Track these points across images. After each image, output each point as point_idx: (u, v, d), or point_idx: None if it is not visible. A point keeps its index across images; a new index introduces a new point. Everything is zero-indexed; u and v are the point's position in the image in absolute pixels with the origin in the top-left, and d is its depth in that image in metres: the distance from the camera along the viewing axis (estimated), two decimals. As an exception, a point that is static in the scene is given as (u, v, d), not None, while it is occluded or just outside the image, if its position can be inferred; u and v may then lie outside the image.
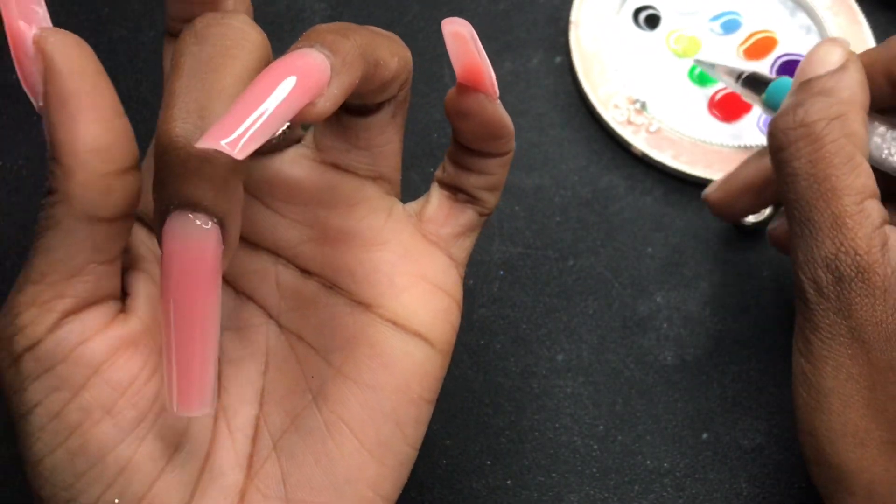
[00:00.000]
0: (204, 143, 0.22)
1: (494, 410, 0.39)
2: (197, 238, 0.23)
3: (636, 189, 0.43)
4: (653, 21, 0.47)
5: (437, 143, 0.44)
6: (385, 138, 0.29)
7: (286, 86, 0.23)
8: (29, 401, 0.25)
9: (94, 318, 0.25)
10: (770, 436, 0.38)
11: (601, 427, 0.39)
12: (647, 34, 0.47)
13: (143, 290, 0.27)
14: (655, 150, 0.43)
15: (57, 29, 0.24)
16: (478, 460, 0.38)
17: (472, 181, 0.30)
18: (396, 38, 0.27)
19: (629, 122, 0.44)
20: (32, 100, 0.25)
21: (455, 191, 0.31)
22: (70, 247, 0.24)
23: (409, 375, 0.29)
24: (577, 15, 0.46)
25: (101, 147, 0.24)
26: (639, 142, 0.44)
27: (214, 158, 0.23)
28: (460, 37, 0.27)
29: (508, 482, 0.38)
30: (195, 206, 0.23)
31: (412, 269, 0.30)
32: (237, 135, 0.22)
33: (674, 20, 0.47)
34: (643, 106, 0.44)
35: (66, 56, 0.24)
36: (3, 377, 0.25)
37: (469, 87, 0.28)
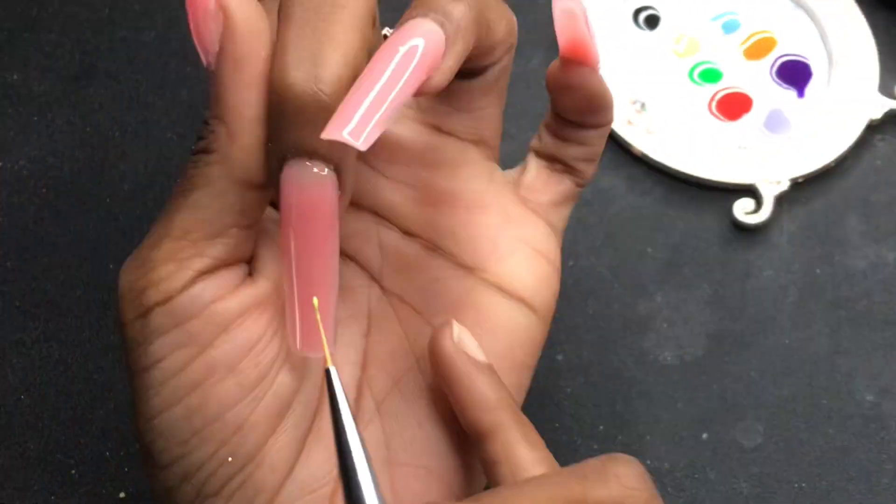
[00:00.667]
0: (327, 135, 0.22)
1: (494, 410, 0.39)
2: (315, 184, 0.24)
3: (636, 189, 0.43)
4: (653, 21, 0.47)
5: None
6: (487, 101, 0.29)
7: (403, 68, 0.23)
8: (153, 354, 0.25)
9: (227, 278, 0.25)
10: (770, 436, 0.38)
11: (601, 427, 0.39)
12: (647, 34, 0.47)
13: (268, 252, 0.27)
14: (655, 150, 0.43)
15: None
16: (478, 460, 0.38)
17: (570, 152, 0.30)
18: (503, 2, 0.27)
19: (629, 123, 0.44)
20: (202, 57, 0.25)
21: (552, 161, 0.30)
22: (220, 208, 0.25)
23: (513, 341, 0.29)
24: (577, 15, 0.46)
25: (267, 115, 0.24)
26: (639, 142, 0.44)
27: (329, 105, 0.23)
28: (572, 14, 0.27)
29: (508, 482, 0.38)
30: (312, 154, 0.23)
31: (514, 233, 0.30)
32: (358, 124, 0.22)
33: (674, 20, 0.47)
34: (643, 106, 0.44)
35: (247, 17, 0.24)
36: (127, 329, 0.25)
37: (573, 61, 0.28)
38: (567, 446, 0.38)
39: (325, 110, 0.23)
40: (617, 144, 0.44)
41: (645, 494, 0.24)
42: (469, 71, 0.27)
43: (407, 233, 0.30)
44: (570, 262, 0.42)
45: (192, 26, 0.24)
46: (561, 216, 0.31)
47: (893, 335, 0.40)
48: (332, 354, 0.28)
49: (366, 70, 0.23)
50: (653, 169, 0.44)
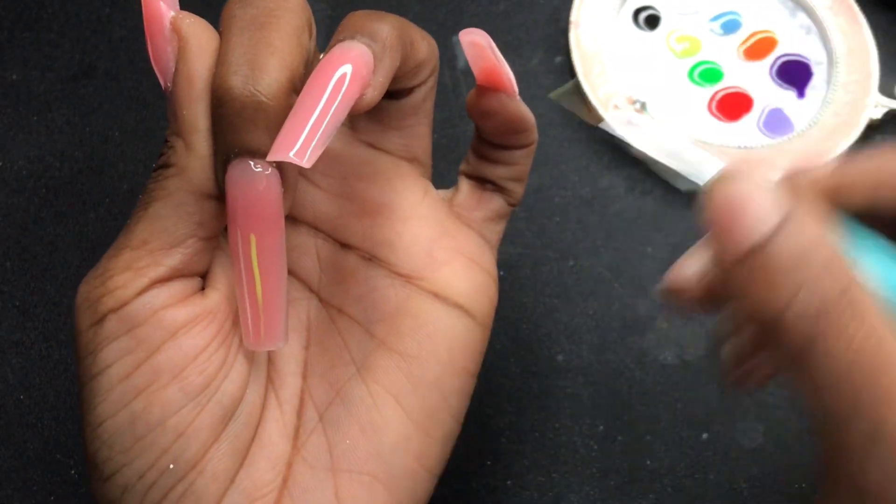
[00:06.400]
0: (273, 157, 0.23)
1: (494, 411, 0.39)
2: (258, 182, 0.25)
3: (636, 189, 0.43)
4: (653, 21, 0.47)
5: (437, 144, 0.44)
6: (416, 119, 0.30)
7: (339, 88, 0.24)
8: (102, 361, 0.25)
9: (180, 287, 0.26)
10: (770, 436, 0.38)
11: (601, 427, 0.39)
12: (647, 34, 0.47)
13: (221, 265, 0.28)
14: (655, 150, 0.43)
15: (190, 13, 0.26)
16: (478, 460, 0.38)
17: (497, 172, 0.31)
18: (420, 28, 0.28)
19: (629, 123, 0.44)
20: (161, 80, 0.26)
21: (482, 182, 0.32)
22: (178, 218, 0.25)
23: (452, 346, 0.29)
24: (577, 15, 0.46)
25: None
26: (639, 142, 0.44)
27: (268, 106, 0.24)
28: (477, 45, 0.28)
29: (508, 482, 0.38)
30: (254, 153, 0.24)
31: (450, 244, 0.30)
32: (302, 144, 0.23)
33: (674, 20, 0.47)
34: (643, 106, 0.44)
35: (199, 38, 0.25)
36: (81, 338, 0.26)
37: (489, 88, 0.29)
38: (567, 446, 0.38)
39: (264, 111, 0.24)
40: (617, 144, 0.44)
41: None
42: (397, 91, 0.29)
43: (344, 244, 0.30)
44: (570, 262, 0.42)
45: (150, 51, 0.26)
46: (494, 230, 0.32)
47: (893, 335, 0.40)
48: (284, 349, 0.29)
49: (303, 92, 0.24)
50: (653, 169, 0.44)
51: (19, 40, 0.47)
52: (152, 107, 0.45)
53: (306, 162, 0.23)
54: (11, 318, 0.41)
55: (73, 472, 0.38)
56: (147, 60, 0.47)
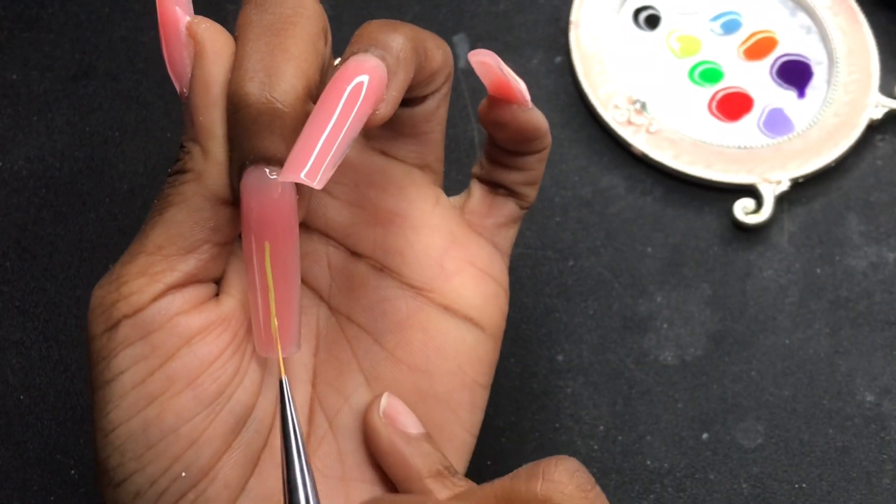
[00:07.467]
0: (284, 177, 0.23)
1: (494, 411, 0.39)
2: (273, 189, 0.25)
3: (636, 189, 0.43)
4: (653, 21, 0.47)
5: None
6: (429, 126, 0.30)
7: (351, 106, 0.24)
8: (116, 367, 0.25)
9: (195, 293, 0.26)
10: (770, 436, 0.38)
11: (601, 427, 0.39)
12: (647, 34, 0.47)
13: (235, 272, 0.27)
14: (655, 150, 0.43)
15: (206, 18, 0.26)
16: (478, 460, 0.38)
17: (511, 177, 0.31)
18: (435, 34, 0.28)
19: (629, 123, 0.44)
20: (177, 85, 0.26)
21: (495, 186, 0.31)
22: (193, 223, 0.25)
23: (461, 360, 0.29)
24: (577, 15, 0.46)
25: None
26: (639, 142, 0.44)
27: (284, 113, 0.24)
28: (485, 64, 0.28)
29: (508, 482, 0.38)
30: (269, 160, 0.24)
31: (461, 254, 0.30)
32: (313, 164, 0.23)
33: (674, 20, 0.47)
34: (643, 106, 0.44)
35: (216, 43, 0.25)
36: (94, 344, 0.26)
37: (500, 100, 0.29)
38: (567, 446, 0.38)
39: (280, 118, 0.24)
40: (617, 144, 0.44)
41: (570, 488, 0.24)
42: (411, 99, 0.29)
43: (355, 253, 0.30)
44: (570, 262, 0.42)
45: (166, 57, 0.26)
46: (506, 237, 0.32)
47: (893, 335, 0.40)
48: (294, 357, 0.28)
49: (316, 109, 0.24)
50: (653, 169, 0.44)
51: (19, 40, 0.47)
52: (152, 107, 0.45)
53: (317, 183, 0.23)
54: (11, 318, 0.41)
55: (73, 472, 0.38)
56: (147, 60, 0.47)
